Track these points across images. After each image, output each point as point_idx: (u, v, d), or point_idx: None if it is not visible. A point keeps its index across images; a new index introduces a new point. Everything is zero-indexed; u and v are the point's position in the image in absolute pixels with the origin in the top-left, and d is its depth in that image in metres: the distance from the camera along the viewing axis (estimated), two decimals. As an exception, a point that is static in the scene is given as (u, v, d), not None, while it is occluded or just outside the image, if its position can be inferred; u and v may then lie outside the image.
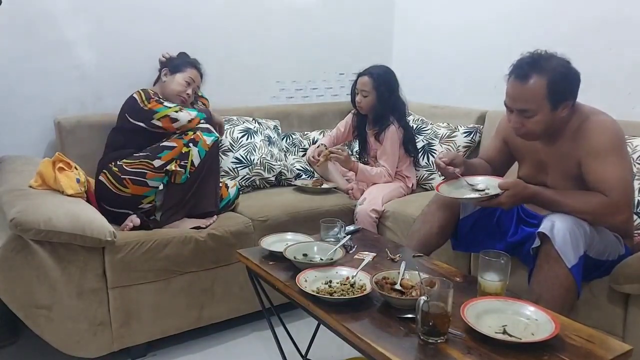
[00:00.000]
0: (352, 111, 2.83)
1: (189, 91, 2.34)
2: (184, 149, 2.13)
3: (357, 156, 2.87)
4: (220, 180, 2.34)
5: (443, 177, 1.86)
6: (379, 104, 2.63)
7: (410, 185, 2.72)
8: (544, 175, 1.79)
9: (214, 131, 2.25)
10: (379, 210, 2.48)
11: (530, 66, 1.64)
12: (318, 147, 2.74)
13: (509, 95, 1.69)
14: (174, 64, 2.35)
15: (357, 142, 2.87)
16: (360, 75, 2.67)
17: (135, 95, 2.19)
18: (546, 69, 1.62)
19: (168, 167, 2.10)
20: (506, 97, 1.71)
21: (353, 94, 2.72)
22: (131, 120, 2.18)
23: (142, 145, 2.17)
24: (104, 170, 2.13)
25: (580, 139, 1.67)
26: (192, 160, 2.13)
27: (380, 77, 2.63)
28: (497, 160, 2.00)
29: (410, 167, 2.76)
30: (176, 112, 2.19)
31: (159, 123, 2.16)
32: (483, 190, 1.71)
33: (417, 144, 2.81)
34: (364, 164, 2.75)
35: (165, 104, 2.20)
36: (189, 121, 2.20)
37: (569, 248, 1.55)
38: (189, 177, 2.13)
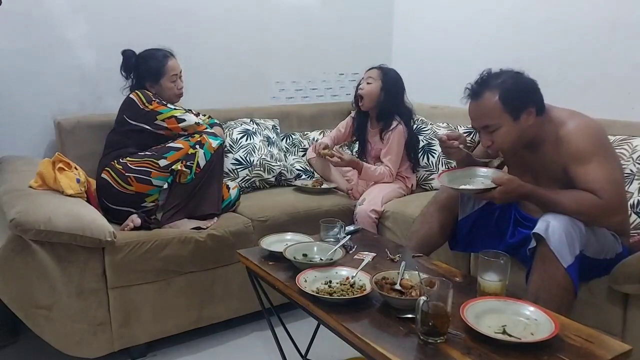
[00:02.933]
0: (351, 114, 2.82)
1: (180, 85, 2.32)
2: (191, 151, 2.14)
3: (357, 157, 2.87)
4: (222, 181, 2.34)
5: (445, 156, 1.88)
6: (384, 97, 2.60)
7: (409, 186, 2.72)
8: (532, 181, 1.79)
9: (222, 131, 2.26)
10: (379, 210, 2.48)
11: (480, 85, 1.72)
12: (320, 144, 2.70)
13: (470, 116, 1.76)
14: (149, 72, 2.26)
15: (357, 144, 2.86)
16: (369, 69, 2.68)
17: (133, 97, 2.18)
18: (495, 83, 1.69)
19: (174, 167, 2.11)
20: (470, 119, 1.77)
21: (357, 89, 2.69)
22: (131, 121, 2.17)
23: (143, 145, 2.17)
24: (107, 168, 2.13)
25: (562, 146, 1.68)
26: (197, 162, 2.13)
27: (389, 71, 2.65)
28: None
29: (409, 170, 2.76)
30: (182, 113, 2.20)
31: (163, 124, 2.16)
32: (480, 181, 1.74)
33: (417, 146, 2.81)
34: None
35: (169, 105, 2.21)
36: (197, 123, 2.21)
37: (564, 248, 1.55)
38: (193, 178, 2.14)
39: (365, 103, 2.65)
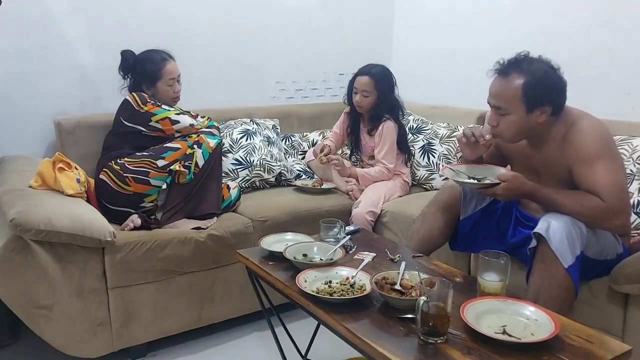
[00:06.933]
0: (345, 111, 2.81)
1: (177, 88, 2.30)
2: (189, 151, 2.13)
3: (351, 157, 2.85)
4: (222, 181, 2.34)
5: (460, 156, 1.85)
6: (380, 103, 2.63)
7: (406, 180, 2.71)
8: (536, 180, 1.78)
9: (217, 134, 2.25)
10: (376, 212, 2.48)
11: (511, 64, 1.68)
12: (323, 143, 2.70)
13: (489, 90, 1.73)
14: (146, 74, 2.25)
15: (350, 142, 2.84)
16: (358, 74, 2.64)
17: (129, 99, 2.18)
18: (526, 70, 1.65)
19: (172, 167, 2.11)
20: (488, 93, 1.74)
21: (350, 92, 2.69)
22: (127, 123, 2.17)
23: (139, 148, 2.17)
24: (105, 169, 2.13)
25: (568, 146, 1.67)
26: (196, 162, 2.13)
27: (381, 77, 2.62)
28: (491, 162, 2.00)
29: (402, 164, 2.74)
30: (177, 114, 2.19)
31: (157, 125, 2.16)
32: (484, 177, 1.73)
33: (417, 143, 2.81)
34: (358, 164, 2.75)
35: (164, 107, 2.20)
36: (191, 125, 2.20)
37: (565, 248, 1.54)
38: (192, 178, 2.13)
39: (362, 109, 2.66)
